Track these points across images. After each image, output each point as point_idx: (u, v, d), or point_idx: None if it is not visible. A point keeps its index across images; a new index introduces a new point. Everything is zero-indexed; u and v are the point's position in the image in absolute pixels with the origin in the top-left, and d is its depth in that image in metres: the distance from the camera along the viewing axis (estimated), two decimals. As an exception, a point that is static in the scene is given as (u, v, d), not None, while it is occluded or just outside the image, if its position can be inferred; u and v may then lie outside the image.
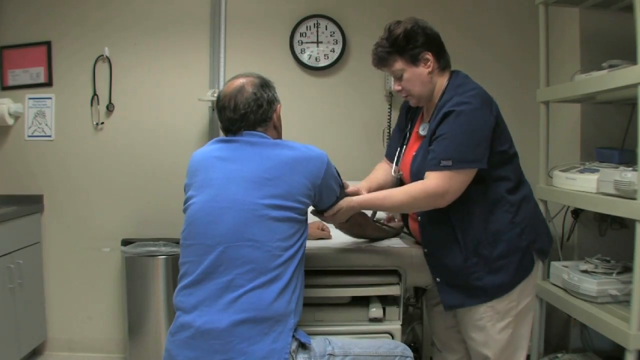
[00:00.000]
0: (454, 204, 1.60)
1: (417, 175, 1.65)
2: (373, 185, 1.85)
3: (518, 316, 1.68)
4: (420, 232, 1.74)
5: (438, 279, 1.72)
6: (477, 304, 1.67)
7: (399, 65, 1.67)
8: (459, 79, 1.68)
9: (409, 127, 1.86)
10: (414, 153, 1.73)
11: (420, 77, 1.66)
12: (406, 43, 1.64)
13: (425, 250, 1.73)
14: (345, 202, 1.62)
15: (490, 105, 1.60)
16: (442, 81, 1.69)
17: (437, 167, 1.55)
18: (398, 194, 1.62)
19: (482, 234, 1.63)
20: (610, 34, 2.48)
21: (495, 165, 1.60)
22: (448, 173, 1.53)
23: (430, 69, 1.66)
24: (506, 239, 1.63)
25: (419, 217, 1.73)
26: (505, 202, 1.63)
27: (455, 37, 2.88)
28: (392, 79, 1.74)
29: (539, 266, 1.74)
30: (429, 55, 1.65)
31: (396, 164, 1.85)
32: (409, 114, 1.88)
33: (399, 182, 1.84)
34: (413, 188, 1.59)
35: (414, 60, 1.65)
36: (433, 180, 1.55)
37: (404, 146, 1.84)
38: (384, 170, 1.94)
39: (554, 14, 2.50)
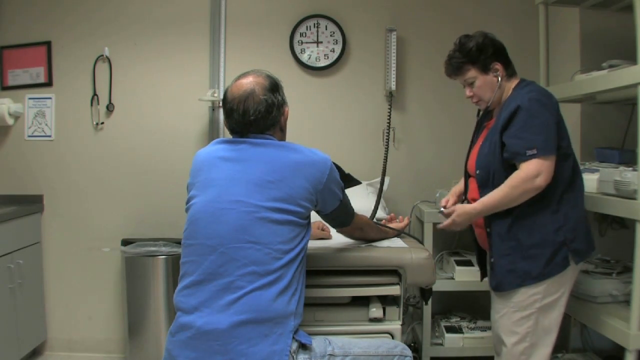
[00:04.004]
0: None
1: (482, 163, 1.80)
2: (457, 193, 2.05)
3: (541, 310, 1.74)
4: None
5: (492, 259, 1.82)
6: (508, 289, 1.77)
7: (471, 73, 1.83)
8: (526, 82, 1.84)
9: (479, 128, 1.99)
10: (480, 144, 1.88)
11: (491, 84, 1.83)
12: (479, 54, 1.81)
13: (488, 230, 1.83)
14: (460, 211, 1.74)
15: (554, 103, 1.75)
16: (509, 86, 1.84)
17: (524, 157, 1.67)
18: (499, 189, 1.72)
19: (524, 221, 1.74)
20: (610, 34, 2.48)
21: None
22: (537, 160, 1.66)
23: (499, 77, 1.82)
24: (543, 230, 1.72)
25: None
26: (550, 197, 1.72)
27: (455, 37, 2.89)
28: (465, 87, 1.89)
29: (574, 269, 1.78)
30: (498, 66, 1.82)
31: (467, 158, 1.97)
32: (481, 120, 2.00)
33: (467, 176, 1.95)
34: (509, 180, 1.70)
35: (485, 69, 1.82)
36: (524, 167, 1.67)
37: (474, 144, 1.95)
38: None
39: (554, 14, 2.50)
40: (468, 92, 1.87)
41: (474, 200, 1.83)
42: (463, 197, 1.97)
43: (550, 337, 1.77)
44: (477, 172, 1.83)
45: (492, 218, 1.79)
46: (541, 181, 1.65)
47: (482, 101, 1.86)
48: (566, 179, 1.75)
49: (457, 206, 1.77)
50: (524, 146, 1.67)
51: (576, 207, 1.77)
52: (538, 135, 1.66)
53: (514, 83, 1.84)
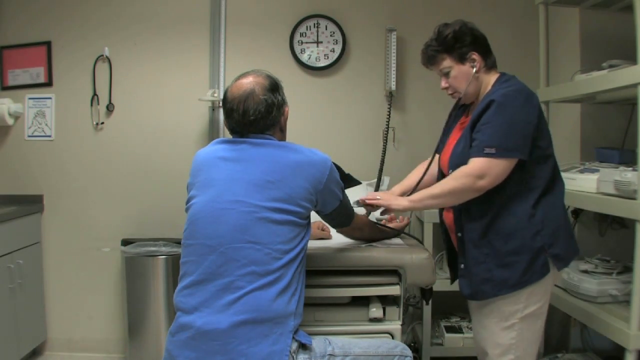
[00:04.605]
0: (485, 192, 1.62)
1: (455, 163, 1.70)
2: (405, 188, 1.94)
3: (524, 321, 1.65)
4: (454, 218, 1.75)
5: (462, 265, 1.74)
6: (484, 298, 1.68)
7: (446, 63, 1.73)
8: (506, 77, 1.73)
9: (454, 122, 1.89)
10: (455, 142, 1.77)
11: (467, 75, 1.72)
12: (454, 42, 1.71)
13: (459, 234, 1.74)
14: (395, 204, 1.68)
15: (533, 101, 1.64)
16: (488, 80, 1.74)
17: (480, 153, 1.58)
18: (442, 181, 1.66)
19: (499, 227, 1.64)
20: (610, 34, 2.48)
21: (529, 160, 1.62)
22: (489, 159, 1.57)
23: (476, 68, 1.71)
24: (519, 236, 1.62)
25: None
26: (527, 200, 1.63)
27: (455, 37, 2.89)
28: (441, 78, 1.79)
29: (555, 276, 1.69)
30: (475, 56, 1.71)
31: (437, 152, 1.88)
32: (456, 112, 1.90)
33: (442, 175, 1.86)
34: (454, 172, 1.64)
35: (461, 59, 1.72)
36: (474, 163, 1.59)
37: (447, 138, 1.86)
38: (418, 172, 1.99)
39: (554, 14, 2.50)
40: (443, 83, 1.77)
41: None
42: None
43: (534, 347, 1.70)
44: (450, 171, 1.72)
45: (464, 223, 1.69)
46: (484, 184, 1.56)
47: (458, 93, 1.75)
48: (544, 181, 1.65)
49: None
50: (484, 142, 1.57)
51: (555, 211, 1.66)
52: (502, 135, 1.57)
53: (494, 77, 1.73)
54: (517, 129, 1.59)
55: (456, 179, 1.61)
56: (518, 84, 1.67)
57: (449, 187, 1.62)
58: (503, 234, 1.63)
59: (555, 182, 1.69)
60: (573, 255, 1.72)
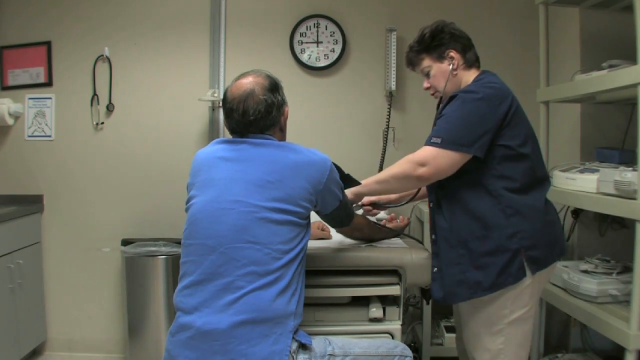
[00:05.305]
0: (454, 192, 1.63)
1: None
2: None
3: (511, 325, 1.62)
4: (430, 218, 1.76)
5: (435, 269, 1.70)
6: (458, 301, 1.67)
7: (426, 62, 1.74)
8: (483, 75, 1.71)
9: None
10: None
11: (445, 73, 1.71)
12: (431, 40, 1.71)
13: (433, 236, 1.72)
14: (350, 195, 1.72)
15: (502, 100, 1.59)
16: (468, 77, 1.72)
17: (428, 142, 1.60)
18: (389, 166, 1.67)
19: (473, 227, 1.61)
20: (610, 34, 2.48)
21: (496, 159, 1.59)
22: (434, 149, 1.58)
23: (454, 66, 1.71)
24: (495, 237, 1.59)
25: (431, 204, 1.73)
26: (502, 201, 1.59)
27: (455, 37, 2.89)
28: (424, 79, 1.79)
29: (538, 278, 1.63)
30: (453, 53, 1.70)
31: None
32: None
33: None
34: (401, 159, 1.64)
35: (440, 57, 1.72)
36: (419, 151, 1.61)
37: None
38: None
39: (554, 14, 2.50)
40: (425, 84, 1.77)
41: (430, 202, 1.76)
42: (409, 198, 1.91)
43: (525, 351, 1.65)
44: None
45: (437, 223, 1.68)
46: (424, 171, 1.57)
47: (439, 92, 1.74)
48: (520, 182, 1.60)
49: None
50: (434, 132, 1.59)
51: (534, 213, 1.61)
52: (452, 127, 1.57)
53: (473, 75, 1.71)
54: (470, 124, 1.57)
55: (400, 164, 1.63)
56: (489, 83, 1.63)
57: (392, 172, 1.65)
58: (477, 235, 1.60)
59: (535, 183, 1.65)
60: (554, 259, 1.68)
